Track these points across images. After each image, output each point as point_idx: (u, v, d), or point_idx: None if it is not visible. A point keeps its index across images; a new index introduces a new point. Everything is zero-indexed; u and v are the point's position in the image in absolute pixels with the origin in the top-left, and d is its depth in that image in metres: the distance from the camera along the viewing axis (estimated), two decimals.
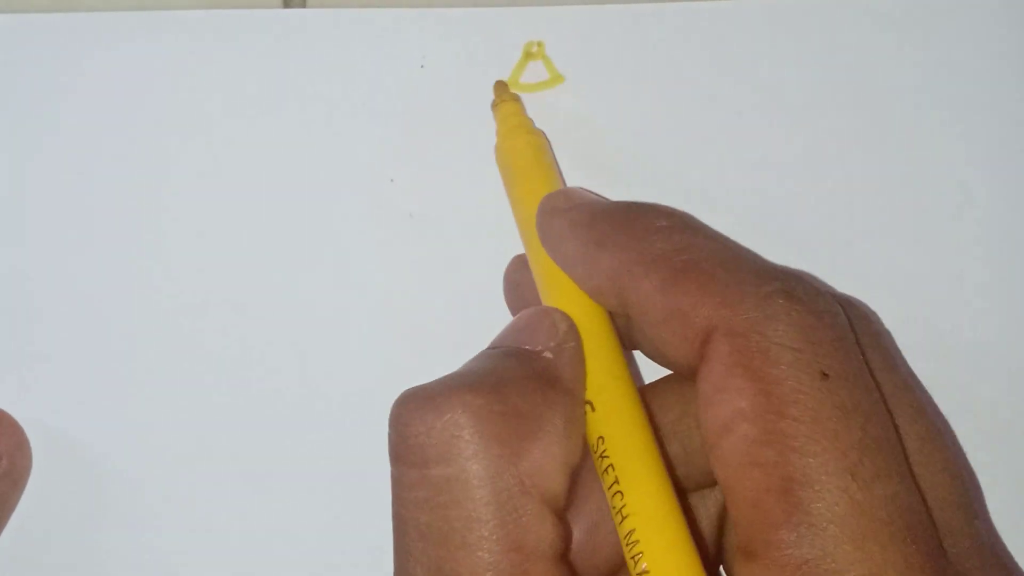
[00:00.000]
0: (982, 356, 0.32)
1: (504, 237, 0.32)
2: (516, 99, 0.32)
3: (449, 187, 0.32)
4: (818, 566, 0.18)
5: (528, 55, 0.33)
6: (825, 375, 0.19)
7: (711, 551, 0.24)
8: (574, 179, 0.32)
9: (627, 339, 0.24)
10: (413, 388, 0.22)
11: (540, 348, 0.22)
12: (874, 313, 0.23)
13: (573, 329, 0.23)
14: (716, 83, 0.33)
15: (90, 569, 0.30)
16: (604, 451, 0.21)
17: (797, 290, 0.20)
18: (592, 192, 0.27)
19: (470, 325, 0.32)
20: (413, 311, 0.32)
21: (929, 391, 0.31)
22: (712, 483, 0.24)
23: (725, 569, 0.24)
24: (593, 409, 0.22)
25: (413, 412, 0.21)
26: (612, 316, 0.24)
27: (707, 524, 0.24)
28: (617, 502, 0.21)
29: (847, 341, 0.20)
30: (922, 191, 0.33)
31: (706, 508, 0.24)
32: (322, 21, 0.34)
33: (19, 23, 0.33)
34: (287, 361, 0.31)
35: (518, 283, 0.28)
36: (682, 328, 0.21)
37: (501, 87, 0.32)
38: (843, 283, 0.32)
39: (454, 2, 0.33)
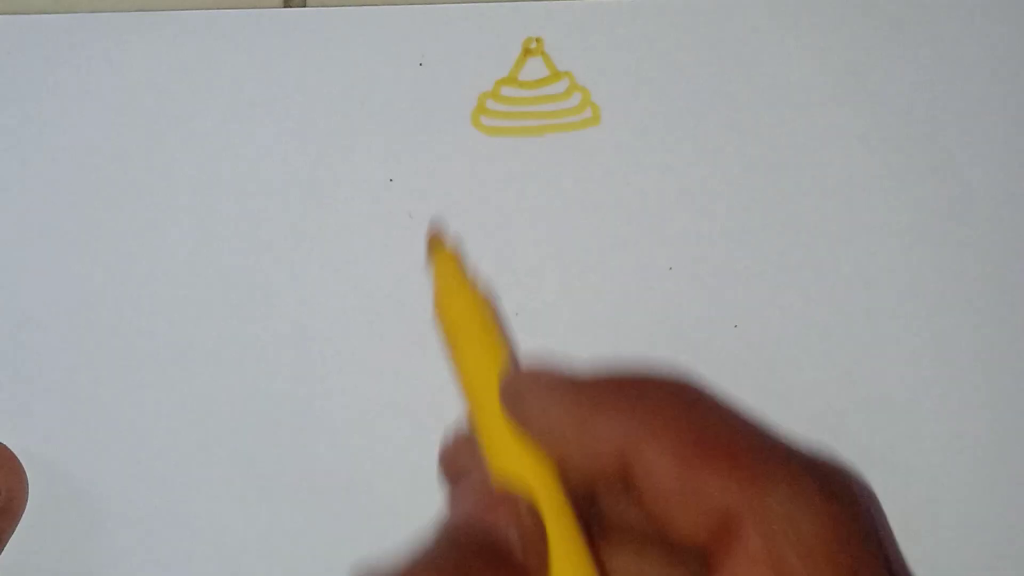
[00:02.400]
0: (982, 356, 0.32)
1: (503, 237, 0.32)
2: (454, 251, 0.30)
3: (448, 186, 0.32)
4: None
5: (527, 51, 0.33)
6: (855, 573, 0.18)
7: None
8: (572, 175, 0.32)
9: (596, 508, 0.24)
10: (370, 568, 0.20)
11: (505, 537, 0.21)
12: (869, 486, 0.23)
13: (533, 512, 0.22)
14: (714, 78, 0.33)
15: None
16: None
17: (828, 479, 0.19)
18: (554, 360, 0.26)
19: None
20: (412, 310, 0.32)
21: (927, 392, 0.31)
22: None
23: None
24: None
25: None
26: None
27: None
28: None
29: (872, 541, 0.19)
30: (922, 190, 0.32)
31: None
32: (322, 20, 0.33)
33: (20, 24, 0.33)
34: (287, 360, 0.31)
35: (457, 457, 0.27)
36: (700, 506, 0.19)
37: (437, 240, 0.30)
38: (842, 283, 0.32)
39: None
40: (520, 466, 0.24)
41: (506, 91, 0.33)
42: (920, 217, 0.32)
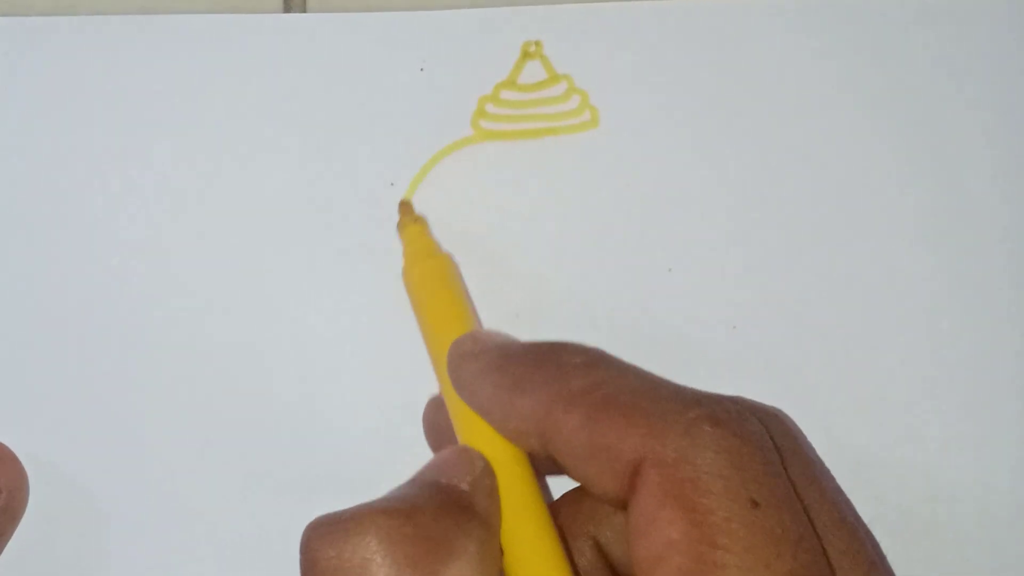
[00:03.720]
0: (982, 357, 0.32)
1: (503, 239, 0.32)
2: (420, 221, 0.31)
3: (449, 190, 0.32)
4: None
5: (526, 55, 0.33)
6: (755, 503, 0.19)
7: None
8: (572, 177, 0.32)
9: (550, 468, 0.24)
10: (324, 514, 0.22)
11: (456, 481, 0.22)
12: (793, 422, 0.24)
13: (489, 468, 0.23)
14: (714, 81, 0.33)
15: None
16: None
17: (721, 414, 0.20)
18: (500, 333, 0.27)
19: None
20: (414, 314, 0.32)
21: (928, 392, 0.31)
22: None
23: None
24: (502, 553, 0.22)
25: (324, 537, 0.21)
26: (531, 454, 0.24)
27: None
28: None
29: (774, 464, 0.20)
30: (922, 191, 0.33)
31: None
32: (322, 25, 0.34)
33: (20, 26, 0.33)
34: (288, 362, 0.31)
35: (436, 424, 0.28)
36: (609, 463, 0.21)
37: (406, 208, 0.31)
38: (842, 285, 0.32)
39: (453, 4, 0.34)
40: (475, 428, 0.25)
41: (505, 94, 0.33)
42: (920, 219, 0.33)
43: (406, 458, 0.31)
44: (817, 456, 0.23)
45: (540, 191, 0.32)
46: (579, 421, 0.21)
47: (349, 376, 0.31)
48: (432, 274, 0.29)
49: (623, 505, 0.21)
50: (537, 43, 0.33)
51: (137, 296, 0.32)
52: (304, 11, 0.34)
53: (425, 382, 0.31)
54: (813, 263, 0.32)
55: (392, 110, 0.33)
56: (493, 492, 0.23)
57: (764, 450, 0.20)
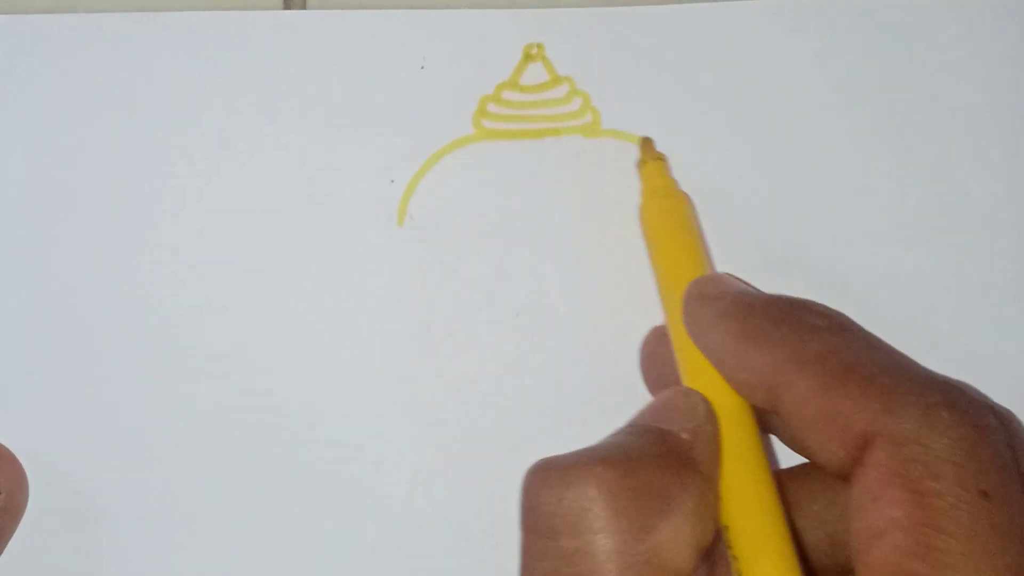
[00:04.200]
0: (982, 357, 0.32)
1: (504, 238, 0.32)
2: (662, 158, 0.31)
3: (449, 188, 0.32)
4: None
5: (528, 57, 0.33)
6: (985, 494, 0.19)
7: None
8: (573, 178, 0.32)
9: (768, 428, 0.24)
10: (546, 458, 0.21)
11: (677, 429, 0.22)
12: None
13: (712, 414, 0.23)
14: (715, 85, 0.33)
15: None
16: (729, 541, 0.21)
17: (960, 402, 0.20)
18: (739, 279, 0.27)
19: (471, 326, 0.32)
20: (413, 313, 0.32)
21: None
22: None
23: None
24: (720, 503, 0.22)
25: (544, 483, 0.21)
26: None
27: None
28: None
29: (1007, 460, 0.20)
30: (922, 191, 0.33)
31: None
32: (322, 23, 0.34)
33: (19, 24, 0.33)
34: (288, 361, 0.31)
35: (656, 356, 0.28)
36: (839, 432, 0.20)
37: (648, 144, 0.31)
38: (843, 283, 0.32)
39: (454, 4, 0.33)
40: (702, 372, 0.24)
41: (507, 95, 0.33)
42: (920, 219, 0.33)
43: (406, 458, 0.31)
44: None
45: (541, 191, 0.32)
46: (813, 385, 0.21)
47: (349, 375, 0.31)
48: (671, 212, 0.29)
49: (844, 476, 0.21)
50: (539, 45, 0.33)
51: (137, 295, 0.32)
52: (304, 8, 0.34)
53: (425, 380, 0.31)
54: (813, 263, 0.32)
55: (392, 107, 0.33)
56: (714, 441, 0.22)
57: (998, 444, 0.20)
